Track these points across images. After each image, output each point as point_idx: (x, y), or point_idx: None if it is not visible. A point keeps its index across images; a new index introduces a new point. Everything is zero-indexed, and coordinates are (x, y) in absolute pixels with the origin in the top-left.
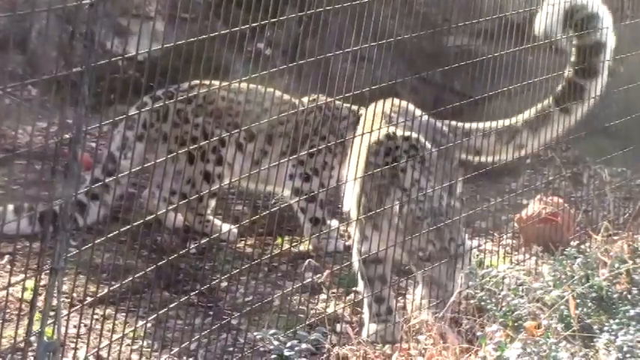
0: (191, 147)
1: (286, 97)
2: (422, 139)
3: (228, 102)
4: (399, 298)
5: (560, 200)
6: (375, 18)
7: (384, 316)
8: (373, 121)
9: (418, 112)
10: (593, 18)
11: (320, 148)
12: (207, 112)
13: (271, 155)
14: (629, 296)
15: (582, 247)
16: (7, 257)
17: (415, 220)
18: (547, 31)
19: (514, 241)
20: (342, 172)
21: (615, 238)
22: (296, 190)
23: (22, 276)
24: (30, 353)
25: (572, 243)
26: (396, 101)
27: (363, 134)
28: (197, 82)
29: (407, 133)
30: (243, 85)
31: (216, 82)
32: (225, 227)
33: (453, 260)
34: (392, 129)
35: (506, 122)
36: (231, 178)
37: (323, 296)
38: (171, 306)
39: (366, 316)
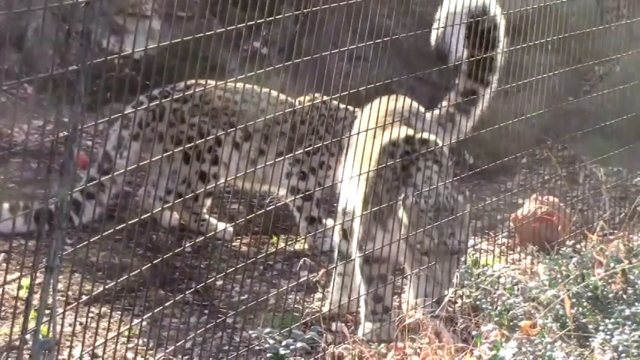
0: (187, 147)
1: (282, 96)
2: (439, 141)
3: (224, 101)
4: (395, 297)
5: (556, 200)
6: (371, 17)
7: (380, 314)
8: (385, 119)
9: (422, 109)
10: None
11: (317, 146)
12: (204, 111)
13: (267, 155)
14: (624, 296)
15: (578, 246)
16: (2, 255)
17: (419, 214)
18: (448, 51)
19: (510, 241)
20: (342, 167)
21: (611, 237)
22: (292, 189)
23: (17, 274)
24: (25, 351)
25: (567, 242)
26: (407, 100)
27: (366, 131)
28: (193, 81)
29: (425, 136)
30: (240, 84)
31: (213, 82)
32: (221, 226)
33: (451, 256)
34: (410, 131)
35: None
36: (226, 177)
37: (318, 295)
38: (166, 304)
39: (362, 314)
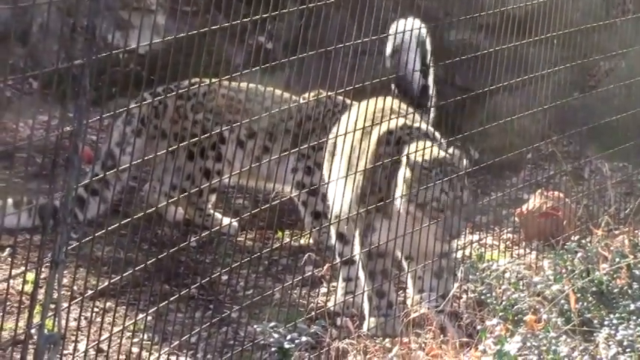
0: (191, 145)
1: (287, 94)
2: (437, 134)
3: (228, 100)
4: (400, 292)
5: (561, 195)
6: (376, 11)
7: (384, 309)
8: (373, 118)
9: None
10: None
11: (322, 141)
12: (207, 109)
13: (272, 153)
14: (629, 291)
15: (583, 241)
16: (7, 250)
17: (423, 171)
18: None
19: (515, 236)
20: (330, 170)
21: (616, 232)
22: (297, 184)
23: (22, 269)
24: (30, 346)
25: (572, 237)
26: (395, 100)
27: (354, 131)
28: (197, 79)
29: (419, 125)
30: (243, 83)
31: (217, 79)
32: (226, 221)
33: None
34: (408, 121)
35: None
36: (231, 173)
37: (323, 290)
38: (171, 299)
39: (366, 309)
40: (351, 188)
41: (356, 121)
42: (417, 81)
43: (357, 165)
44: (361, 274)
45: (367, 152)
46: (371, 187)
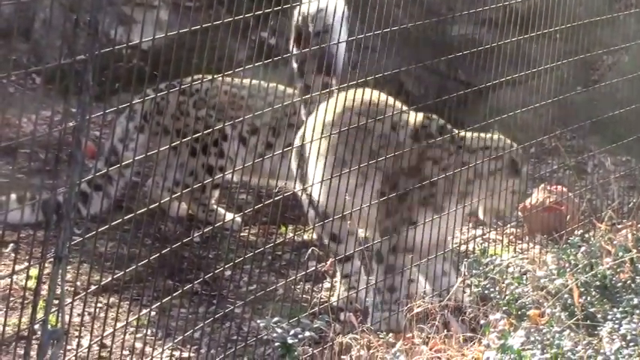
0: (193, 142)
1: (290, 90)
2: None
3: (230, 96)
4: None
5: (565, 189)
6: (379, 6)
7: (390, 304)
8: (353, 110)
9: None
10: None
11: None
12: (210, 105)
13: (275, 148)
14: (632, 285)
15: (586, 236)
16: (11, 246)
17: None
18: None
19: (518, 230)
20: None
21: (619, 227)
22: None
23: (26, 264)
24: (34, 341)
25: (576, 232)
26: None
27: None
28: (199, 76)
29: (435, 117)
30: (246, 79)
31: (219, 76)
32: (229, 216)
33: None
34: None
35: None
36: (234, 169)
37: (326, 285)
38: (174, 294)
39: (370, 304)
40: (371, 187)
41: (334, 114)
42: (342, 56)
43: (376, 162)
44: (375, 267)
45: (387, 149)
46: (395, 187)
